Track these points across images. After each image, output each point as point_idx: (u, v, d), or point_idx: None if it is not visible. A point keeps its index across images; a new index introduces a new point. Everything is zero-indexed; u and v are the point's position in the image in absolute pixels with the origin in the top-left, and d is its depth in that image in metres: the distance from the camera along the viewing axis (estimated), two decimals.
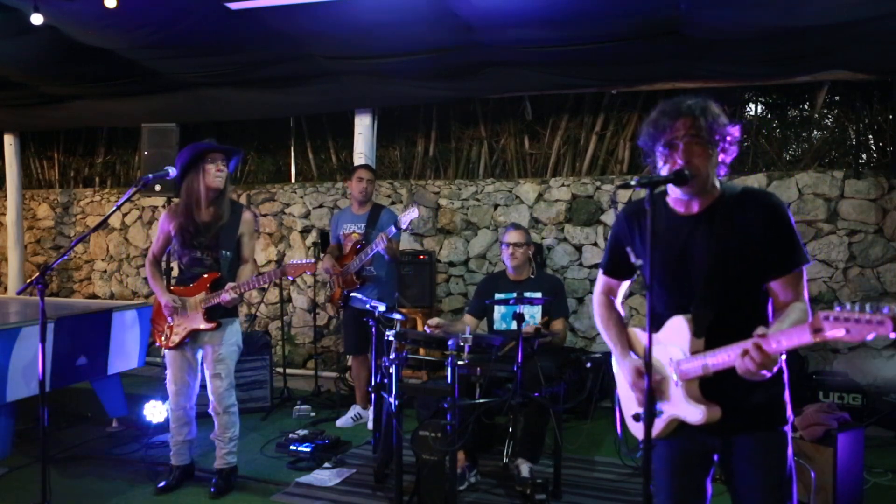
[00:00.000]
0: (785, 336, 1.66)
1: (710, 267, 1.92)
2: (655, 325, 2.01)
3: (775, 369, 1.74)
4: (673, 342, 1.95)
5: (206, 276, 3.67)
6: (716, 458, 2.05)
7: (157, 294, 3.74)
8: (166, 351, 3.76)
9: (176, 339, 3.69)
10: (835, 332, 1.50)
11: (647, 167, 2.08)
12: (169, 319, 3.71)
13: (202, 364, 3.79)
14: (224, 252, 3.68)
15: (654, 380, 1.97)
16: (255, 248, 3.85)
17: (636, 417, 2.07)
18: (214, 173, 3.59)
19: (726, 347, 1.79)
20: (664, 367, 1.98)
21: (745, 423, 1.94)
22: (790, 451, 1.98)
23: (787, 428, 1.99)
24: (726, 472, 2.03)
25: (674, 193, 2.00)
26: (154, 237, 3.91)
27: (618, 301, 2.29)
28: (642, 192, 1.89)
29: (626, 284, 2.28)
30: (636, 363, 2.05)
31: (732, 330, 1.88)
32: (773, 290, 1.95)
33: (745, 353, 1.72)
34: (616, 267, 2.22)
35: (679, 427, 1.99)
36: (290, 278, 3.68)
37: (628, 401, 2.16)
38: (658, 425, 2.01)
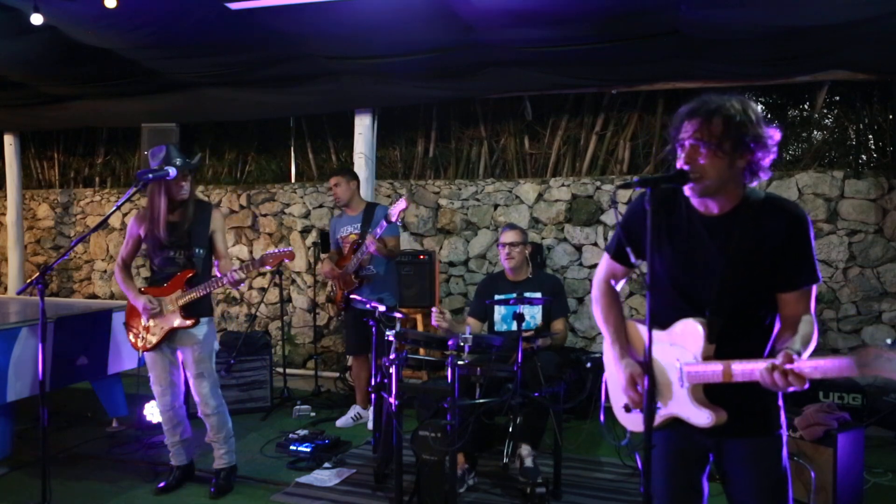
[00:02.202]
0: (824, 365, 1.63)
1: (727, 272, 1.89)
2: (660, 322, 1.99)
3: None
4: (682, 344, 1.93)
5: (180, 274, 3.66)
6: (711, 457, 2.05)
7: (130, 298, 3.71)
8: (145, 354, 3.74)
9: (153, 339, 3.66)
10: (884, 371, 1.49)
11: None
12: (144, 321, 3.69)
13: (182, 365, 3.79)
14: (197, 250, 3.69)
15: (656, 378, 1.97)
16: (227, 243, 3.86)
17: (627, 408, 2.06)
18: (177, 189, 3.59)
19: (755, 361, 1.76)
20: (667, 368, 1.97)
21: (740, 427, 1.93)
22: (785, 453, 1.97)
23: (782, 432, 1.98)
24: (721, 473, 2.02)
25: (689, 192, 1.96)
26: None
27: (618, 287, 2.25)
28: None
29: (628, 272, 2.22)
30: (633, 369, 2.02)
31: (742, 336, 1.88)
32: (783, 301, 1.93)
33: (776, 368, 1.68)
34: (625, 252, 2.12)
35: (673, 422, 1.99)
36: (269, 267, 3.68)
37: (618, 392, 2.13)
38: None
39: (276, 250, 3.63)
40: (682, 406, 1.94)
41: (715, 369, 1.83)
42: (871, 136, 5.77)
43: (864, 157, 5.71)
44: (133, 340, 3.77)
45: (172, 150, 3.62)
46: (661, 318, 1.99)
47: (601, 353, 5.66)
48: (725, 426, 1.90)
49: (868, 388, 4.84)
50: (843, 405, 4.50)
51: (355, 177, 5.06)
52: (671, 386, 1.96)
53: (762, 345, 1.94)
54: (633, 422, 2.09)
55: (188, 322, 3.63)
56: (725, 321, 1.89)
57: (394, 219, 4.40)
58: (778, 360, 1.68)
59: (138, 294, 3.68)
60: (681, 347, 1.94)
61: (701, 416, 1.90)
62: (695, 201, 1.97)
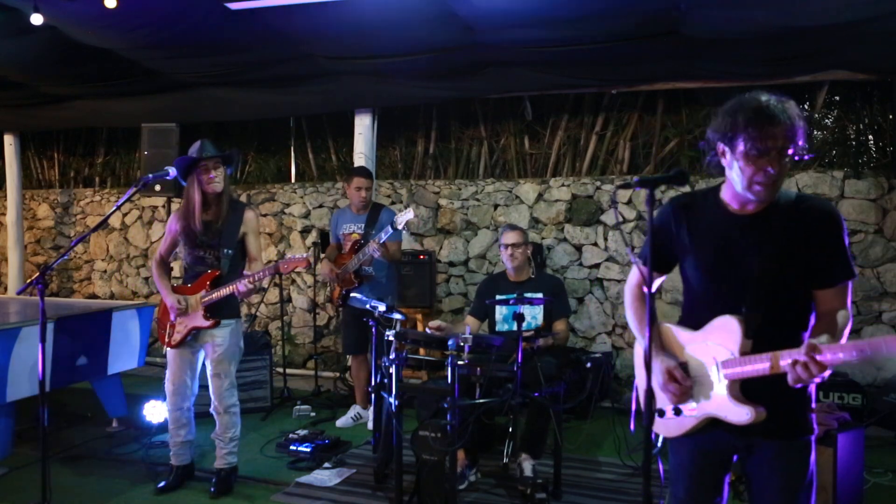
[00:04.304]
0: (843, 352, 1.66)
1: (763, 268, 1.90)
2: (695, 322, 2.01)
3: (821, 378, 1.73)
4: (719, 341, 1.93)
5: (207, 273, 3.69)
6: (735, 458, 2.04)
7: (162, 294, 3.77)
8: (168, 350, 3.77)
9: (178, 337, 3.70)
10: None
11: (708, 156, 2.00)
12: (173, 318, 3.74)
13: (203, 365, 3.80)
14: (225, 250, 3.70)
15: (692, 378, 1.98)
16: (261, 246, 3.87)
17: (660, 413, 2.05)
18: (207, 181, 3.61)
19: (787, 352, 1.76)
20: (705, 365, 1.96)
21: (772, 427, 1.91)
22: (813, 458, 1.97)
23: (812, 438, 1.98)
24: (746, 474, 2.02)
25: (732, 191, 1.95)
26: (155, 237, 3.92)
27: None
28: (642, 193, 1.90)
29: (660, 279, 2.24)
30: (667, 362, 2.00)
31: (779, 332, 1.88)
32: (819, 297, 1.94)
33: (797, 363, 1.71)
34: (655, 259, 2.12)
35: (707, 426, 1.98)
36: (284, 273, 3.69)
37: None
38: (688, 423, 2.00)
39: (291, 257, 3.62)
40: (720, 404, 1.92)
41: (762, 364, 1.82)
42: (871, 136, 5.76)
43: (864, 157, 5.71)
44: (161, 335, 3.81)
45: (207, 144, 3.66)
46: (697, 318, 2.01)
47: (601, 353, 5.65)
48: (759, 425, 1.89)
49: (868, 388, 4.84)
50: (843, 405, 4.50)
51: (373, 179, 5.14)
52: (709, 385, 1.95)
53: (798, 339, 1.92)
54: (665, 427, 2.09)
55: (209, 323, 3.65)
56: (763, 317, 1.89)
57: (399, 227, 4.44)
58: (800, 354, 1.71)
59: (170, 292, 3.73)
60: (717, 345, 1.93)
61: (741, 414, 1.88)
62: (729, 199, 1.98)
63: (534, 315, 4.14)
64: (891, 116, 5.61)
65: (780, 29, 4.36)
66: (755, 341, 1.87)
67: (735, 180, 1.90)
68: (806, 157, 1.85)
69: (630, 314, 2.26)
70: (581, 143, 6.26)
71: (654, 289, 2.22)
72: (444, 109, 6.60)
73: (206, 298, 3.64)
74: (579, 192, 6.01)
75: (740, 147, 1.83)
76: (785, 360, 1.77)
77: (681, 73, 5.28)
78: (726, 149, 1.89)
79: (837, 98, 5.82)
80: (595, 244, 5.95)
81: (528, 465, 3.68)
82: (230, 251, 3.72)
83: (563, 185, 6.06)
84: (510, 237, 4.18)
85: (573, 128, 6.29)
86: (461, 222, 6.37)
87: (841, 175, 5.40)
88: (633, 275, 2.28)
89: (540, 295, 4.05)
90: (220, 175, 3.65)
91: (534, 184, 6.15)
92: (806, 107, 5.98)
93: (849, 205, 5.36)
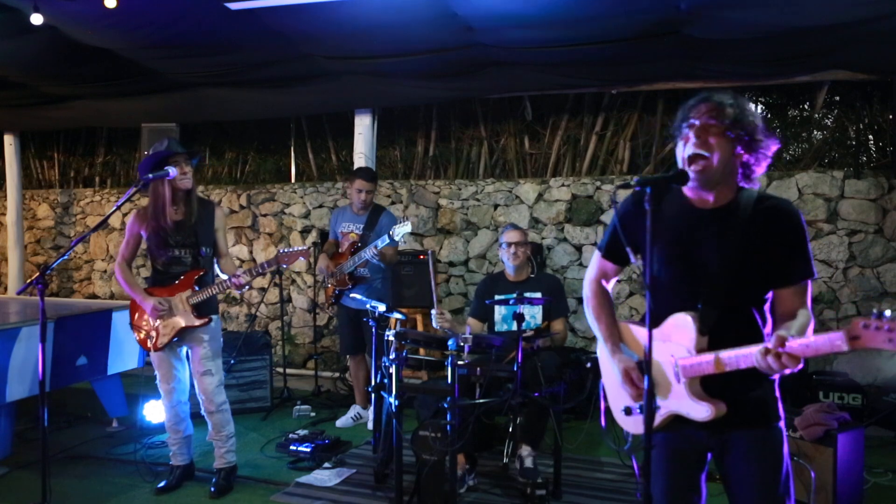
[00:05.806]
0: (815, 342, 1.64)
1: (721, 267, 1.91)
2: (654, 318, 1.99)
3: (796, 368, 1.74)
4: (675, 339, 1.94)
5: (189, 273, 3.67)
6: (709, 456, 2.04)
7: (137, 299, 3.67)
8: (153, 353, 3.74)
9: (164, 339, 3.66)
10: (876, 342, 1.49)
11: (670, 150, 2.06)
12: (153, 321, 3.68)
13: (188, 361, 3.80)
14: (204, 249, 3.71)
15: (653, 376, 1.98)
16: (228, 242, 3.87)
17: (627, 411, 2.06)
18: (180, 177, 3.59)
19: (746, 348, 1.77)
20: (663, 364, 1.97)
21: (740, 419, 1.93)
22: (786, 448, 1.98)
23: (782, 424, 1.99)
24: (722, 471, 2.02)
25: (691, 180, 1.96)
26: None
27: (609, 287, 2.25)
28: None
29: (616, 277, 2.24)
30: (626, 362, 2.04)
31: (735, 329, 1.89)
32: (779, 297, 1.94)
33: (769, 352, 1.70)
34: (617, 250, 2.15)
35: (673, 422, 1.99)
36: (285, 266, 3.68)
37: (617, 394, 2.14)
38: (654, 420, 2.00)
39: (292, 249, 3.65)
40: (681, 401, 1.94)
41: (707, 360, 1.85)
42: (871, 136, 5.77)
43: (864, 157, 5.71)
44: (142, 340, 3.75)
45: (173, 143, 3.66)
46: (655, 314, 1.98)
47: None
48: (725, 419, 1.90)
49: (868, 388, 4.84)
50: (843, 405, 4.50)
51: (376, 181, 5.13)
52: (668, 382, 1.96)
53: (755, 337, 1.93)
54: (634, 424, 2.09)
55: (201, 321, 3.64)
56: (719, 314, 1.90)
57: (397, 237, 4.46)
58: (770, 344, 1.70)
59: (146, 296, 3.65)
60: (674, 343, 1.95)
61: (700, 410, 1.90)
62: (691, 193, 1.98)
63: (532, 315, 4.15)
64: (891, 116, 5.60)
65: (780, 29, 4.36)
66: (711, 338, 1.89)
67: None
68: (752, 147, 1.89)
69: (589, 310, 2.23)
70: (581, 143, 6.26)
71: (612, 284, 2.24)
72: (444, 109, 6.60)
73: (196, 298, 3.63)
74: (579, 192, 6.01)
75: (681, 126, 1.91)
76: (732, 353, 1.79)
77: (681, 73, 5.28)
78: (679, 140, 1.94)
79: (837, 98, 5.82)
80: (595, 244, 5.94)
81: (528, 458, 3.68)
82: (208, 249, 3.73)
83: (563, 185, 6.06)
84: (513, 236, 4.19)
85: (573, 128, 6.29)
86: (461, 222, 6.37)
87: (841, 175, 5.40)
88: (593, 268, 2.25)
89: (539, 295, 4.05)
90: (190, 171, 3.64)
91: (534, 184, 6.15)
92: (806, 107, 5.99)
93: (849, 205, 5.36)
